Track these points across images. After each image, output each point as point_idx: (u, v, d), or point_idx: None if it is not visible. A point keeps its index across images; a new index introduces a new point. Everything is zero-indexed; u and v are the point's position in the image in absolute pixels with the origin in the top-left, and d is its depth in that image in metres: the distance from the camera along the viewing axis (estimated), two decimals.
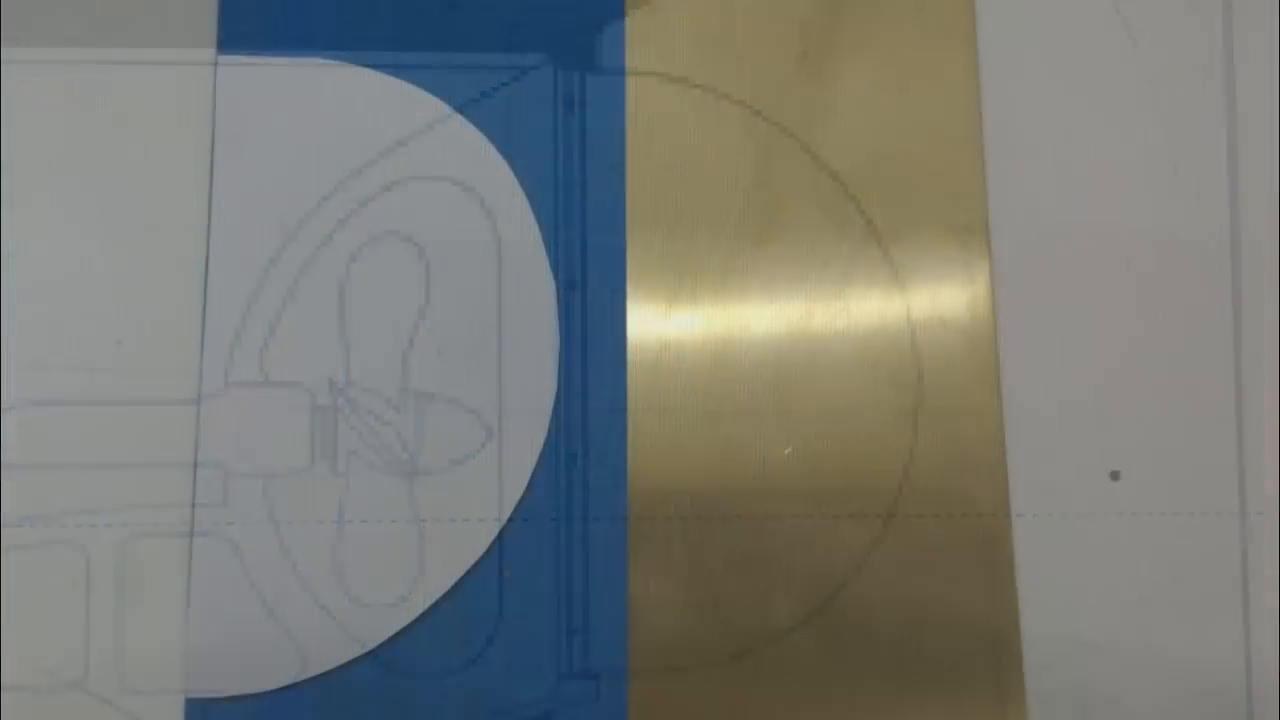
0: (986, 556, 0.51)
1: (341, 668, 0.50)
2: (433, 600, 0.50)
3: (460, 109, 0.54)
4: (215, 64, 0.54)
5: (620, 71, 0.55)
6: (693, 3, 0.55)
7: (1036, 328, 0.54)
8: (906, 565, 0.51)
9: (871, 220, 0.54)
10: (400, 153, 0.54)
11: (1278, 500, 0.53)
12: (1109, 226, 0.54)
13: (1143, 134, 0.55)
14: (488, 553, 0.51)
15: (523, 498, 0.51)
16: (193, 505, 0.51)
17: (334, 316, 0.52)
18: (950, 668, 0.50)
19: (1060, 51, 0.56)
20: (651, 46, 0.55)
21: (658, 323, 0.53)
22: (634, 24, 0.55)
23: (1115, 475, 0.52)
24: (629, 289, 0.53)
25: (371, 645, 0.50)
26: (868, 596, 0.51)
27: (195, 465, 0.51)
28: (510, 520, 0.51)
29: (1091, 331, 0.54)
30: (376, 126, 0.54)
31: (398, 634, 0.50)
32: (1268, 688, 0.51)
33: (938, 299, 0.53)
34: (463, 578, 0.51)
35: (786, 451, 0.52)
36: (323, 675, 0.50)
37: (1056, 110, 0.55)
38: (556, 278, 0.53)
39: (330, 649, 0.50)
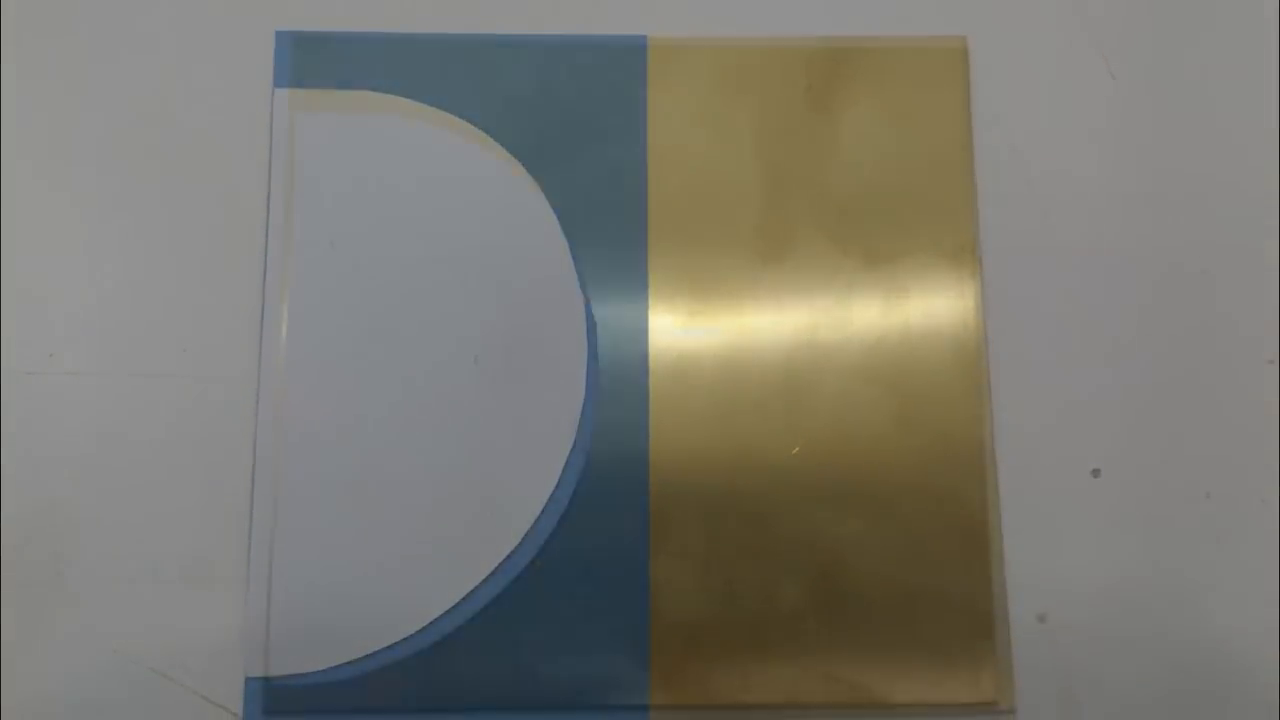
0: (972, 546, 0.55)
1: (387, 648, 0.53)
2: (470, 588, 0.54)
3: (497, 138, 0.58)
4: (271, 96, 0.58)
5: (643, 105, 0.59)
6: (709, 41, 0.60)
7: (1023, 339, 0.57)
8: (900, 554, 0.55)
9: (872, 242, 0.58)
10: (442, 177, 0.57)
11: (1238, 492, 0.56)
12: (1090, 247, 0.58)
13: (1121, 162, 0.59)
14: (521, 544, 0.54)
15: (553, 493, 0.55)
16: (251, 499, 0.54)
17: (380, 325, 0.56)
18: (941, 645, 0.54)
19: (1046, 86, 0.60)
20: (672, 82, 0.59)
21: (677, 334, 0.56)
22: (656, 62, 0.59)
23: (1096, 473, 0.56)
24: (651, 303, 0.57)
25: (414, 629, 0.53)
26: (866, 583, 0.54)
27: (253, 462, 0.55)
28: (542, 514, 0.54)
29: (1074, 342, 0.57)
30: (421, 153, 0.58)
31: (438, 618, 0.53)
32: (1238, 666, 0.55)
33: (932, 314, 0.57)
34: (498, 567, 0.54)
35: (794, 450, 0.55)
36: (370, 655, 0.53)
37: (1042, 140, 0.59)
38: (585, 292, 0.57)
39: (378, 631, 0.53)
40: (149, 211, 0.58)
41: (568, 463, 0.55)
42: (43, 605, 0.54)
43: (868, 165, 0.58)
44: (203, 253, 0.57)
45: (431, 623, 0.53)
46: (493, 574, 0.54)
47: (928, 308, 0.57)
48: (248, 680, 0.53)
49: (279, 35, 0.59)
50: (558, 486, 0.55)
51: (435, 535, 0.54)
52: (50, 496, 0.55)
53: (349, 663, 0.53)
